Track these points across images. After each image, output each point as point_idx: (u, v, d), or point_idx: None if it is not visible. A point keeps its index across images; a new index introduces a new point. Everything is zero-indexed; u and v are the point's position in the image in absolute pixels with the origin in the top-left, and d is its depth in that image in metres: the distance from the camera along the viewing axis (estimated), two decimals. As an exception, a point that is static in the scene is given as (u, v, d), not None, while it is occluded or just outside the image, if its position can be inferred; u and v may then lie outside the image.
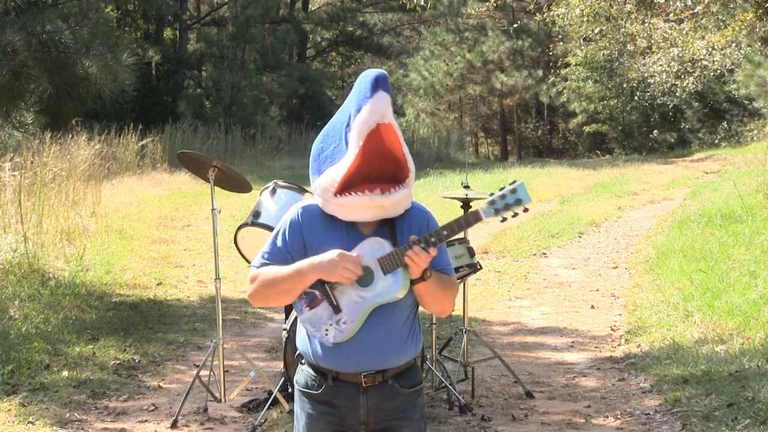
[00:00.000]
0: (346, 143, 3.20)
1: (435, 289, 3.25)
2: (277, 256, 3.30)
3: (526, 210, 3.12)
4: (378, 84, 3.16)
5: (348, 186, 3.18)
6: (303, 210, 3.32)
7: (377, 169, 3.20)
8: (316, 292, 3.25)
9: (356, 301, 3.21)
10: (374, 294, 3.20)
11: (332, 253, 3.17)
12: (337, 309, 3.23)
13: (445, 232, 3.17)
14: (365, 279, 3.20)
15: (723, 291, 8.57)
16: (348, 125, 3.21)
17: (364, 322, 3.22)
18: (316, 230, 3.27)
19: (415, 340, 3.33)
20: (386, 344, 3.24)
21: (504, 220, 3.16)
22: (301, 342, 3.35)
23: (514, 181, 3.12)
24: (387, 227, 3.26)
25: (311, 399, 3.31)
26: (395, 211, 3.24)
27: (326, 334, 3.24)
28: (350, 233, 3.25)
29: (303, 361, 3.35)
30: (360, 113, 3.16)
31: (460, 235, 6.98)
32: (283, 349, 6.20)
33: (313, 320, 3.26)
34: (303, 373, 3.35)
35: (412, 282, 3.19)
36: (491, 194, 3.15)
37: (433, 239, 3.15)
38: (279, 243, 3.31)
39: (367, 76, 3.21)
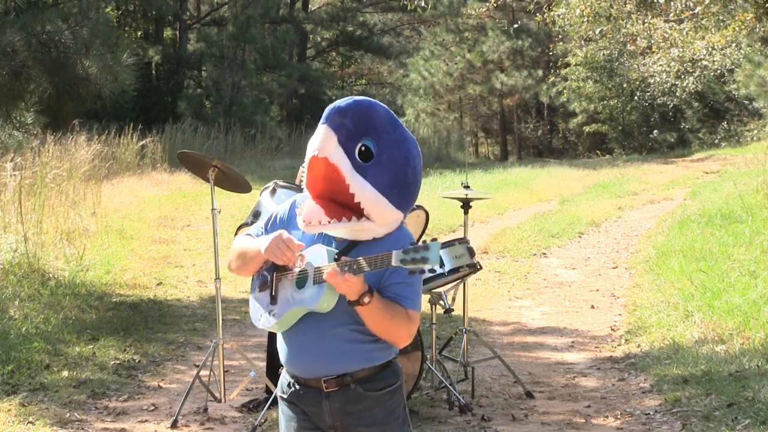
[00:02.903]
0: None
1: (378, 317, 3.16)
2: (257, 233, 3.38)
3: (432, 270, 3.07)
4: (326, 116, 3.17)
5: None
6: (295, 204, 3.34)
7: (327, 191, 3.18)
8: (268, 277, 3.31)
9: (287, 299, 3.24)
10: (301, 298, 3.20)
11: (281, 232, 3.21)
12: (273, 299, 3.28)
13: (363, 264, 3.07)
14: (299, 280, 3.21)
15: (723, 291, 8.57)
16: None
17: (321, 324, 3.20)
18: (296, 224, 3.29)
19: (380, 349, 3.25)
20: (343, 351, 3.21)
21: (412, 273, 3.06)
22: (277, 345, 3.39)
23: (433, 240, 3.04)
24: (354, 248, 3.23)
25: (287, 402, 3.35)
26: (353, 236, 3.21)
27: (259, 319, 3.33)
28: (321, 234, 3.26)
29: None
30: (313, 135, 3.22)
31: (461, 235, 6.98)
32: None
33: (256, 302, 3.36)
34: (282, 377, 3.39)
35: (350, 303, 3.13)
36: (411, 244, 3.07)
37: (354, 266, 3.08)
38: (262, 226, 3.38)
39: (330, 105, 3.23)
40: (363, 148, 3.17)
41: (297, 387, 3.29)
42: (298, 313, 3.22)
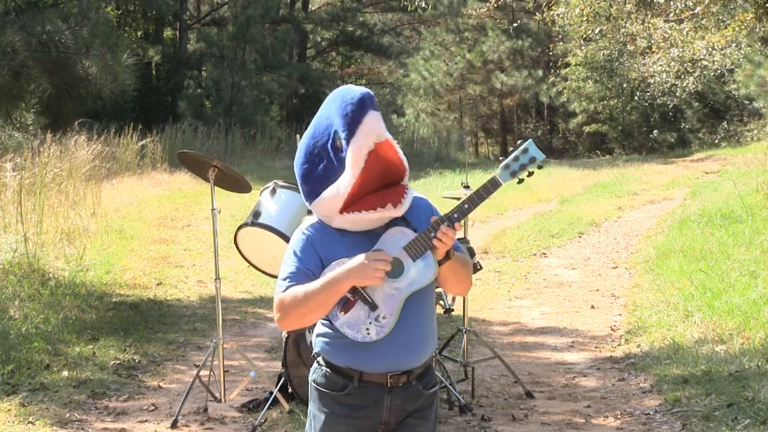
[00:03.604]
0: (336, 161, 3.19)
1: (458, 267, 3.25)
2: (299, 276, 3.21)
3: (540, 167, 3.10)
4: (365, 104, 3.15)
5: (352, 203, 3.17)
6: (309, 227, 3.28)
7: (378, 182, 3.20)
8: (348, 295, 3.21)
9: (391, 294, 3.19)
10: (408, 282, 3.19)
11: (359, 257, 3.15)
12: (373, 306, 3.20)
13: (466, 206, 3.15)
14: (395, 271, 3.18)
15: (723, 291, 8.58)
16: (332, 144, 3.20)
17: (398, 320, 3.21)
18: (328, 242, 3.24)
19: (435, 335, 3.36)
20: (417, 343, 3.24)
21: (521, 181, 3.12)
22: (322, 344, 3.30)
23: (523, 141, 3.09)
24: (399, 219, 3.26)
25: (331, 399, 3.27)
26: (403, 210, 3.24)
27: (368, 333, 3.19)
28: (364, 235, 3.23)
29: (321, 360, 3.31)
30: (356, 136, 3.14)
31: (461, 235, 6.98)
32: (283, 349, 6.20)
33: (351, 323, 3.21)
34: (322, 373, 3.30)
35: (439, 263, 3.19)
36: (503, 159, 3.12)
37: (456, 215, 3.13)
38: (296, 264, 3.23)
39: (350, 95, 3.18)
40: None
41: (356, 383, 3.24)
42: (402, 303, 3.21)
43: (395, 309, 3.18)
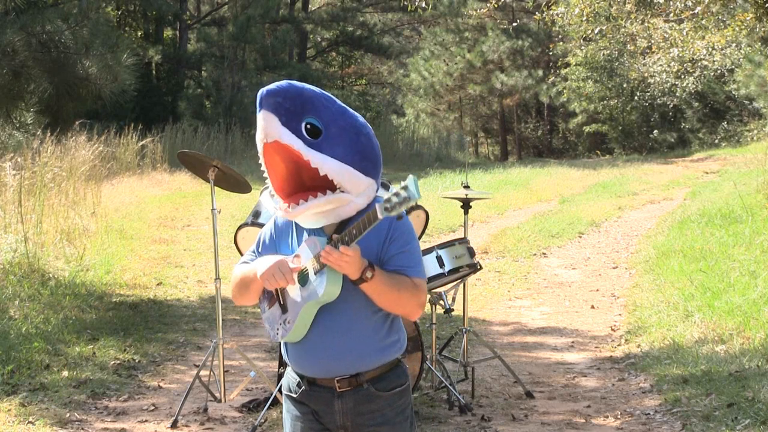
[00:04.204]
0: None
1: (386, 290, 3.17)
2: (253, 258, 3.38)
3: (418, 206, 3.13)
4: (259, 103, 3.16)
5: (282, 196, 3.22)
6: (277, 219, 3.37)
7: (292, 180, 3.21)
8: (273, 292, 3.30)
9: (296, 300, 3.23)
10: (309, 293, 3.20)
11: (271, 259, 3.21)
12: (284, 308, 3.26)
13: (354, 231, 3.09)
14: (302, 278, 3.21)
15: (723, 291, 8.58)
16: None
17: (330, 323, 3.21)
18: (285, 234, 3.33)
19: (392, 344, 3.28)
20: (354, 348, 3.22)
21: (400, 217, 3.09)
22: (283, 346, 3.39)
23: (406, 179, 3.07)
24: (337, 226, 3.25)
25: (293, 402, 3.34)
26: (337, 216, 3.21)
27: (277, 333, 3.29)
28: (312, 234, 3.27)
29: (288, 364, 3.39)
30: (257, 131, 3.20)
31: (461, 235, 6.97)
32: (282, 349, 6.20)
33: (270, 319, 3.32)
34: (287, 377, 3.38)
35: (354, 282, 3.15)
36: (391, 190, 3.15)
37: (345, 238, 3.10)
38: (253, 248, 3.39)
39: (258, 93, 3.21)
40: (308, 126, 3.18)
41: (307, 387, 3.28)
42: (310, 311, 3.21)
43: (299, 316, 3.20)
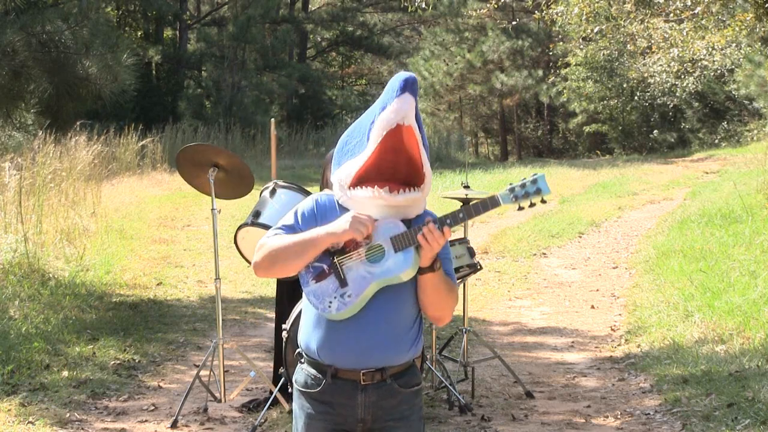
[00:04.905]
0: (368, 139, 3.24)
1: (440, 287, 3.23)
2: (290, 231, 3.30)
3: (544, 201, 3.12)
4: (405, 86, 3.18)
5: (362, 181, 3.23)
6: (319, 198, 3.36)
7: (391, 168, 3.23)
8: (324, 266, 3.25)
9: (363, 276, 3.21)
10: (382, 270, 3.19)
11: (346, 215, 3.21)
12: (343, 282, 3.22)
13: (461, 215, 3.15)
14: (375, 256, 3.20)
15: (723, 291, 8.58)
16: (372, 122, 3.25)
17: (368, 314, 3.21)
18: (330, 217, 3.29)
19: (418, 342, 3.33)
20: (388, 341, 3.24)
21: (521, 208, 3.13)
22: (303, 337, 3.35)
23: (536, 174, 3.12)
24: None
25: (310, 398, 3.32)
26: (405, 214, 3.26)
27: (329, 306, 3.22)
28: None
29: (302, 360, 3.36)
30: (384, 111, 3.19)
31: (461, 235, 6.98)
32: (282, 349, 6.20)
33: (317, 292, 3.25)
34: (302, 372, 3.36)
35: (421, 271, 3.18)
36: (511, 183, 3.15)
37: (448, 220, 3.14)
38: (293, 223, 3.31)
39: (397, 77, 3.23)
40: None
41: (330, 380, 3.27)
42: (373, 290, 3.20)
43: (364, 292, 3.20)
